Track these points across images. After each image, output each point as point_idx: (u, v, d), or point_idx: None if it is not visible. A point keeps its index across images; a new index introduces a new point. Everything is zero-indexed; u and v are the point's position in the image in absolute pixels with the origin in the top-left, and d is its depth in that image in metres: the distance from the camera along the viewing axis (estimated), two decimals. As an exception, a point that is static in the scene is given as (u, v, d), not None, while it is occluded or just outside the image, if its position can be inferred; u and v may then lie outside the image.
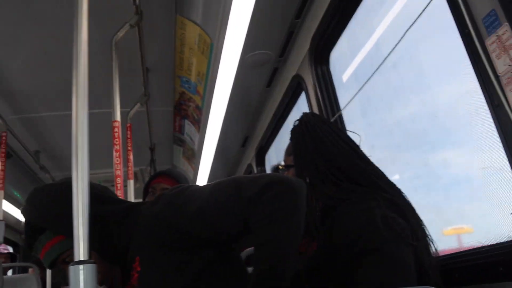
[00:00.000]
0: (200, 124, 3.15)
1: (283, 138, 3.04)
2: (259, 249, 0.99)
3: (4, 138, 3.00)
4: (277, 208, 0.96)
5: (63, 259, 1.20)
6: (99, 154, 3.99)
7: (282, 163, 1.59)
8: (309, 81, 2.20)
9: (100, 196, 1.20)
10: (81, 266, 0.99)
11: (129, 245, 1.16)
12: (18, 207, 4.51)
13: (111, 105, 2.76)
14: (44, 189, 1.26)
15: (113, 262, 1.23)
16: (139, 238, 1.12)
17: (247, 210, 0.99)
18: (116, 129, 2.20)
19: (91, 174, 1.08)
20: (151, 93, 2.97)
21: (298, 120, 1.49)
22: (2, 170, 2.93)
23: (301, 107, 2.59)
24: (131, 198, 2.90)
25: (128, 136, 2.85)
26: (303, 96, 2.51)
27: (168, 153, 4.38)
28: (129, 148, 2.79)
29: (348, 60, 2.14)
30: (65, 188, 1.10)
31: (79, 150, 1.11)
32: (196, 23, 2.31)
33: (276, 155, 3.22)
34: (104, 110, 3.26)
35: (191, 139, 3.62)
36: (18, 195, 4.37)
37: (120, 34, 2.23)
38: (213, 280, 1.04)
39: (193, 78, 2.84)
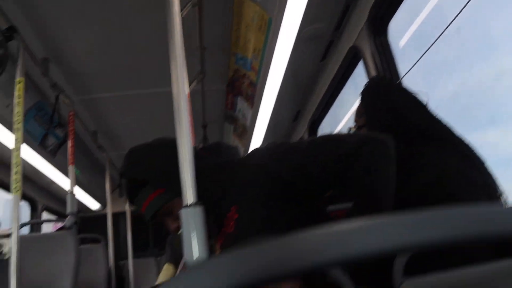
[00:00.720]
0: (254, 99, 3.26)
1: (337, 111, 3.12)
2: (361, 198, 1.07)
3: (72, 117, 3.18)
4: (376, 160, 1.05)
5: (163, 211, 1.33)
6: (160, 133, 4.16)
7: (352, 125, 1.68)
8: (367, 52, 2.26)
9: (195, 152, 1.32)
10: (190, 209, 1.11)
11: (224, 196, 1.27)
12: (79, 183, 4.74)
13: (167, 84, 2.90)
14: (146, 146, 1.39)
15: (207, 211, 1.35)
16: (237, 188, 1.23)
17: (345, 165, 1.07)
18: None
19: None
20: (207, 71, 3.10)
21: (367, 82, 1.56)
22: (71, 147, 3.12)
23: (357, 78, 2.65)
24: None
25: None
26: (358, 68, 2.58)
27: (219, 131, 4.53)
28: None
29: (405, 28, 2.19)
30: (167, 146, 1.25)
31: (181, 110, 1.21)
32: (253, 1, 2.40)
33: (330, 127, 3.30)
34: (161, 89, 3.42)
35: (243, 116, 3.74)
36: (77, 172, 4.60)
37: (184, 12, 2.34)
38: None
39: (248, 55, 2.94)
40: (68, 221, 2.87)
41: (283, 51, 2.64)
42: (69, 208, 2.89)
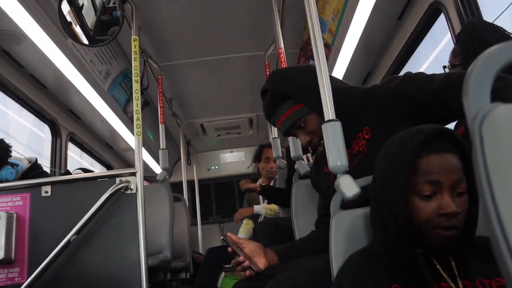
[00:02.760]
0: (328, 62, 3.39)
1: (410, 70, 3.21)
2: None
3: (160, 79, 3.42)
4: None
5: (299, 125, 1.54)
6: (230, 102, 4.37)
7: (448, 64, 1.83)
8: (450, 5, 2.35)
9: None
10: (331, 123, 1.29)
11: (359, 116, 1.44)
12: (148, 149, 5.02)
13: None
14: (292, 68, 1.64)
15: None
16: (373, 109, 1.39)
17: None
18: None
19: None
20: (283, 34, 3.25)
21: (465, 24, 1.69)
22: (161, 107, 3.36)
23: (436, 34, 2.74)
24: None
25: (267, 73, 3.16)
26: (437, 24, 2.67)
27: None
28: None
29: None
30: (310, 68, 1.44)
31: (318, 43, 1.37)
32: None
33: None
34: (237, 55, 3.60)
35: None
36: (151, 138, 4.90)
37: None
38: None
39: (325, 17, 3.07)
40: (161, 175, 3.12)
41: (363, 11, 2.75)
42: (161, 163, 3.15)
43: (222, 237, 1.52)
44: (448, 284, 0.95)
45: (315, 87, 1.37)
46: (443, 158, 0.94)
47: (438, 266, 0.97)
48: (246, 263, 1.44)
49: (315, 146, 1.60)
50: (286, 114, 1.53)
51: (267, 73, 3.30)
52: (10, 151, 2.49)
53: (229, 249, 1.48)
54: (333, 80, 1.50)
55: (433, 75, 1.35)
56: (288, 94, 1.52)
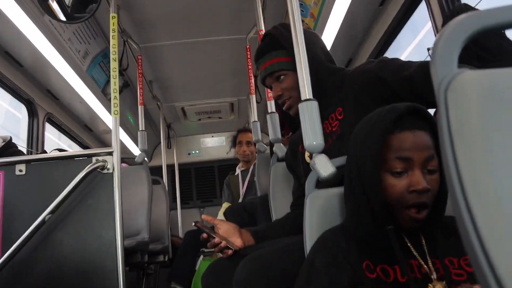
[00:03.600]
0: (309, 47, 3.39)
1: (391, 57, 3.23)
2: None
3: (140, 60, 3.38)
4: None
5: (278, 76, 1.57)
6: (211, 86, 4.35)
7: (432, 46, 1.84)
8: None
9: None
10: (308, 102, 1.29)
11: (331, 96, 1.45)
12: (128, 132, 4.98)
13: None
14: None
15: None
16: (348, 90, 1.40)
17: None
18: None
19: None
20: (265, 17, 3.23)
21: (452, 9, 1.70)
22: (141, 88, 3.33)
23: (417, 23, 2.76)
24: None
25: (249, 57, 3.15)
26: (418, 11, 2.68)
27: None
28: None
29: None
30: (315, 35, 1.47)
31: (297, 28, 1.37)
32: None
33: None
34: (217, 38, 3.57)
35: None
36: (131, 121, 4.85)
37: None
38: None
39: (308, 1, 3.06)
40: (139, 157, 3.10)
41: (345, -4, 2.75)
42: (140, 145, 3.12)
43: (194, 223, 1.52)
44: (418, 262, 0.97)
45: (310, 52, 1.40)
46: (415, 135, 0.95)
47: (408, 244, 0.99)
48: (223, 243, 1.45)
49: (292, 123, 1.61)
50: (273, 60, 1.56)
51: (249, 56, 3.28)
52: (-16, 130, 2.44)
53: (204, 235, 1.48)
54: (325, 53, 1.53)
55: (409, 62, 1.35)
56: (284, 44, 1.54)
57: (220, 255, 1.49)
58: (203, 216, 1.55)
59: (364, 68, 1.43)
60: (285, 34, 1.54)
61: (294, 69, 1.47)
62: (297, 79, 1.37)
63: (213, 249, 1.47)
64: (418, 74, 1.27)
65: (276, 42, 1.57)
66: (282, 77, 1.56)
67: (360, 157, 0.99)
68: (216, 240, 1.46)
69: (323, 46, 1.61)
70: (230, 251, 1.45)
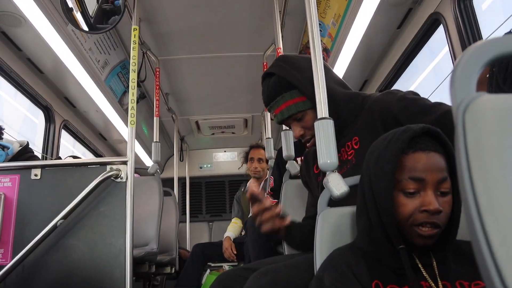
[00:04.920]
0: (326, 67, 3.41)
1: (407, 80, 3.23)
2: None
3: (158, 72, 3.42)
4: None
5: (297, 117, 1.51)
6: (225, 100, 4.38)
7: None
8: (450, 17, 2.38)
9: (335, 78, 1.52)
10: (324, 121, 1.29)
11: (349, 124, 1.45)
12: (142, 143, 5.02)
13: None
14: (305, 58, 1.56)
15: None
16: (366, 121, 1.40)
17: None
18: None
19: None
20: (283, 36, 3.26)
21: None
22: (157, 100, 3.37)
23: (432, 46, 2.77)
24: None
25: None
26: (435, 35, 2.70)
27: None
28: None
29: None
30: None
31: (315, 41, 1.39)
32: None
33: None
34: (236, 54, 3.61)
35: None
36: (145, 131, 4.90)
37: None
38: None
39: (326, 21, 3.09)
40: (152, 168, 3.12)
41: (364, 17, 2.77)
42: (153, 156, 3.15)
43: (244, 189, 1.46)
44: (429, 284, 0.96)
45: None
46: (429, 156, 0.95)
47: (419, 265, 0.98)
48: (278, 208, 1.39)
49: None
50: (288, 103, 1.50)
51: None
52: (2, 133, 2.48)
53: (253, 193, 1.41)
54: (338, 82, 1.52)
55: (431, 106, 1.32)
56: (295, 83, 1.48)
57: (226, 269, 1.48)
58: (251, 187, 1.48)
59: (384, 102, 1.40)
60: (293, 73, 1.49)
61: (311, 107, 1.47)
62: (315, 115, 1.36)
63: (220, 264, 1.46)
64: (439, 125, 1.27)
65: (285, 82, 1.50)
66: (300, 117, 1.51)
67: (374, 176, 0.99)
68: (271, 201, 1.38)
69: (334, 76, 1.58)
70: (288, 218, 1.39)
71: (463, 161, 0.43)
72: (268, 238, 2.46)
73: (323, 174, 1.50)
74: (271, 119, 3.32)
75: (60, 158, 3.10)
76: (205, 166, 6.17)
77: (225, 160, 6.17)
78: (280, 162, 2.73)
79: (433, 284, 0.95)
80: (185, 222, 5.38)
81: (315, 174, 1.61)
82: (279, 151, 2.81)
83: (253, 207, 1.42)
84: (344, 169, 1.44)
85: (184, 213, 5.57)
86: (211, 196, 6.13)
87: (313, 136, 1.50)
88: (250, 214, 3.49)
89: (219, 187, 6.13)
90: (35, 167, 2.01)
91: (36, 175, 1.99)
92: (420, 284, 0.95)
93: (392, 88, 3.43)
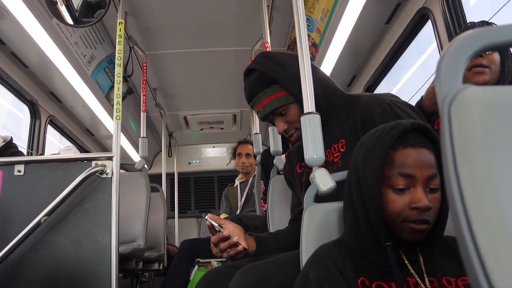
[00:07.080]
0: (314, 61, 3.40)
1: (396, 75, 3.24)
2: None
3: (145, 67, 3.39)
4: None
5: (280, 112, 1.50)
6: (214, 95, 4.35)
7: None
8: (438, 12, 2.37)
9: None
10: (310, 115, 1.28)
11: (335, 120, 1.44)
12: (129, 139, 4.98)
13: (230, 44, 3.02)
14: (286, 54, 1.56)
15: None
16: (352, 125, 1.38)
17: None
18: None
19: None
20: (271, 30, 3.25)
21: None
22: (144, 95, 3.33)
23: (421, 40, 2.77)
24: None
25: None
26: (423, 31, 2.70)
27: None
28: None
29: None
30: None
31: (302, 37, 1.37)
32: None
33: (386, 91, 3.42)
34: (223, 49, 3.59)
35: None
36: (133, 127, 4.85)
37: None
38: None
39: (314, 16, 3.08)
40: (139, 163, 3.09)
41: (352, 12, 2.76)
42: (140, 152, 3.11)
43: (204, 215, 1.47)
44: (415, 280, 0.95)
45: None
46: (418, 152, 0.94)
47: (406, 261, 0.97)
48: (235, 238, 1.39)
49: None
50: (270, 98, 1.48)
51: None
52: (-15, 129, 2.44)
53: (208, 223, 1.42)
54: (326, 82, 1.50)
55: (411, 109, 1.34)
56: (276, 79, 1.47)
57: (215, 265, 1.47)
58: (209, 215, 1.49)
59: (370, 110, 1.37)
60: (274, 68, 1.48)
61: (293, 101, 1.46)
62: (299, 109, 1.34)
63: (208, 260, 1.45)
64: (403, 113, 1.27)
65: (267, 77, 1.48)
66: (283, 111, 1.49)
67: (362, 172, 0.98)
68: (226, 232, 1.40)
69: (322, 74, 1.56)
70: (240, 247, 1.39)
71: (448, 154, 0.42)
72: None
73: (307, 174, 1.49)
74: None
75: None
76: (193, 161, 6.14)
77: (214, 155, 6.14)
78: (265, 164, 2.72)
79: (419, 281, 0.95)
80: (174, 218, 5.35)
81: (298, 174, 1.59)
82: (263, 154, 2.80)
83: (212, 238, 1.44)
84: (330, 171, 1.42)
85: (172, 209, 5.55)
86: (200, 191, 6.11)
87: (297, 129, 1.49)
88: (238, 211, 3.49)
89: (208, 183, 6.10)
90: (19, 163, 1.97)
91: (19, 171, 1.96)
92: (406, 280, 0.94)
93: (380, 83, 3.44)
